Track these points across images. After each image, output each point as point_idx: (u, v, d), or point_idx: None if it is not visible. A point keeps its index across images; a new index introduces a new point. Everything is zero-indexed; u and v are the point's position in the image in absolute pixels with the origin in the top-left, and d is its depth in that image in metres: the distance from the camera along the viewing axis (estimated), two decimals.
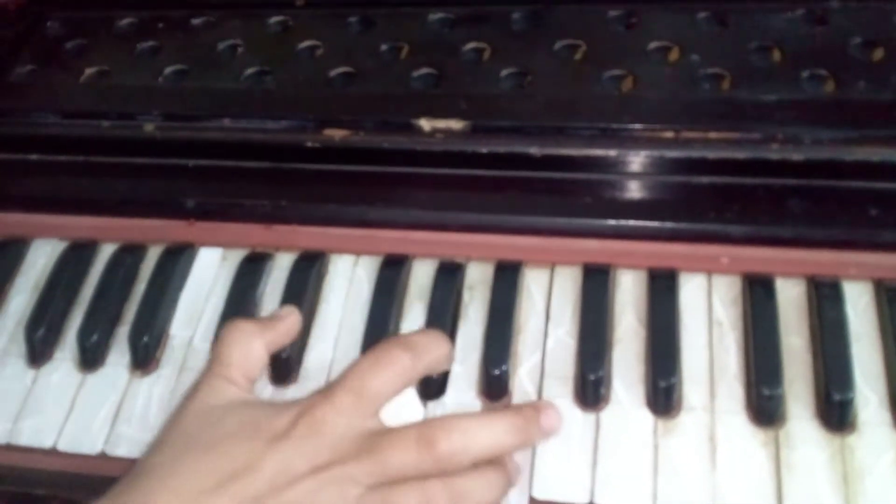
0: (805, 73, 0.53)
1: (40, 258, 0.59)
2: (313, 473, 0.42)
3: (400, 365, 0.46)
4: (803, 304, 0.48)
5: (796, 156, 0.50)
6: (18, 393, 0.53)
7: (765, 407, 0.45)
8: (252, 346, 0.48)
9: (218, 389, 0.47)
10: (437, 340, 0.49)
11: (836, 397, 0.44)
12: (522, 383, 0.48)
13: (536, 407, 0.46)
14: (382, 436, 0.44)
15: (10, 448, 0.52)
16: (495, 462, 0.45)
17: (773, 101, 0.52)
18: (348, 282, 0.54)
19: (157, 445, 0.46)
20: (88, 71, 0.63)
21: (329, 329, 0.53)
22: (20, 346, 0.55)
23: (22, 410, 0.52)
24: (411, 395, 0.49)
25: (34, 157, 0.61)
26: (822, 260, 0.49)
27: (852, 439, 0.44)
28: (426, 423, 0.45)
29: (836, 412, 0.44)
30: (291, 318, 0.51)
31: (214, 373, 0.48)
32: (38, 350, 0.54)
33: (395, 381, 0.46)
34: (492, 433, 0.44)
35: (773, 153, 0.50)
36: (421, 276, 0.54)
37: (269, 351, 0.49)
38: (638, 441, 0.46)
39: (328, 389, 0.46)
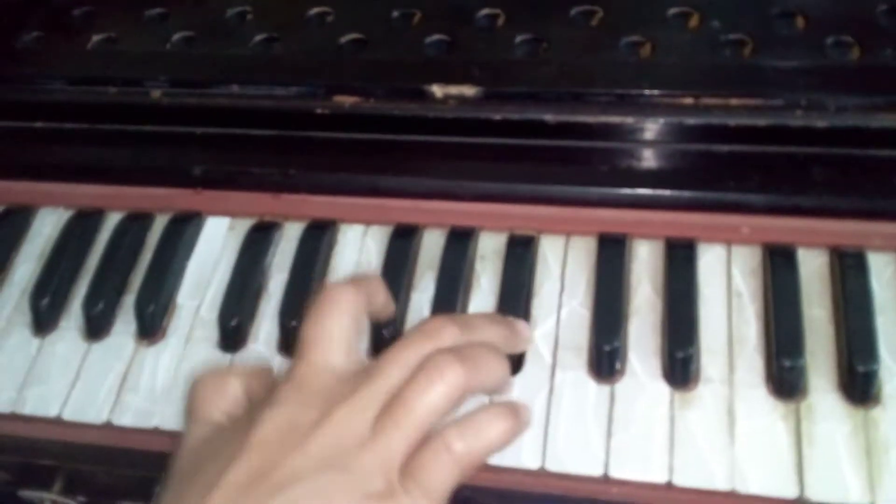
0: (829, 40, 0.52)
1: (46, 227, 0.58)
2: (323, 419, 0.40)
3: (346, 301, 0.44)
4: (826, 274, 0.47)
5: (820, 123, 0.48)
6: (23, 362, 0.52)
7: (786, 379, 0.44)
8: (226, 384, 0.46)
9: (200, 433, 0.45)
10: (375, 280, 0.48)
11: (860, 369, 0.43)
12: (538, 348, 0.47)
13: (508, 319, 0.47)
14: (381, 355, 0.43)
15: (14, 417, 0.51)
16: (507, 405, 0.44)
17: (797, 68, 0.50)
18: (358, 252, 0.53)
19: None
20: (95, 38, 0.62)
21: None
22: (25, 315, 0.54)
23: (27, 379, 0.52)
24: None
25: (40, 124, 0.60)
26: (846, 230, 0.48)
27: (876, 412, 0.43)
28: (419, 324, 0.44)
29: (859, 384, 0.43)
30: (266, 366, 0.49)
31: (193, 419, 0.45)
32: (44, 319, 0.53)
33: (347, 320, 0.44)
34: (484, 321, 0.45)
35: (796, 120, 0.49)
36: (432, 245, 0.52)
37: (244, 386, 0.46)
38: (654, 413, 0.45)
39: (296, 356, 0.44)
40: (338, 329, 0.44)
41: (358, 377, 0.42)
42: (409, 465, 0.40)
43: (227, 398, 0.46)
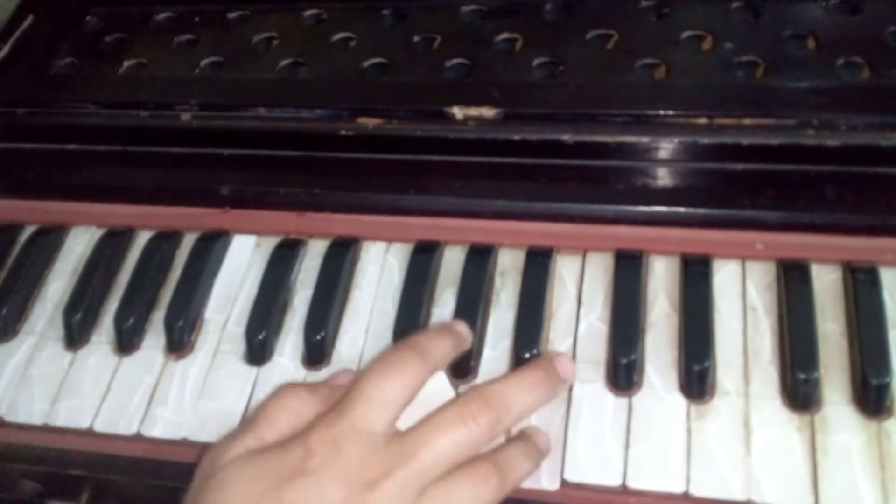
0: (840, 61, 0.53)
1: (78, 245, 0.60)
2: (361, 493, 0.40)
3: (413, 371, 0.44)
4: (839, 289, 0.48)
5: (832, 141, 0.50)
6: (56, 375, 0.54)
7: (800, 391, 0.45)
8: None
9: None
10: (440, 335, 0.48)
11: (873, 382, 0.44)
12: None
13: (549, 359, 0.47)
14: (416, 430, 0.43)
15: (47, 429, 0.52)
16: (523, 436, 0.45)
17: (808, 88, 0.52)
18: (380, 268, 0.55)
19: None
20: (127, 63, 0.64)
21: (361, 314, 0.53)
22: (58, 330, 0.56)
23: (59, 392, 0.53)
24: (442, 380, 0.48)
25: (73, 146, 0.63)
26: (859, 246, 0.49)
27: (889, 424, 0.43)
28: (458, 402, 0.44)
29: (872, 397, 0.44)
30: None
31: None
32: (76, 334, 0.55)
33: (407, 386, 0.44)
34: (523, 392, 0.45)
35: (809, 139, 0.50)
36: (452, 262, 0.54)
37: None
38: (671, 425, 0.45)
39: (338, 405, 0.44)
40: (394, 395, 0.44)
41: (391, 451, 0.42)
42: None
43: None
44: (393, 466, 0.41)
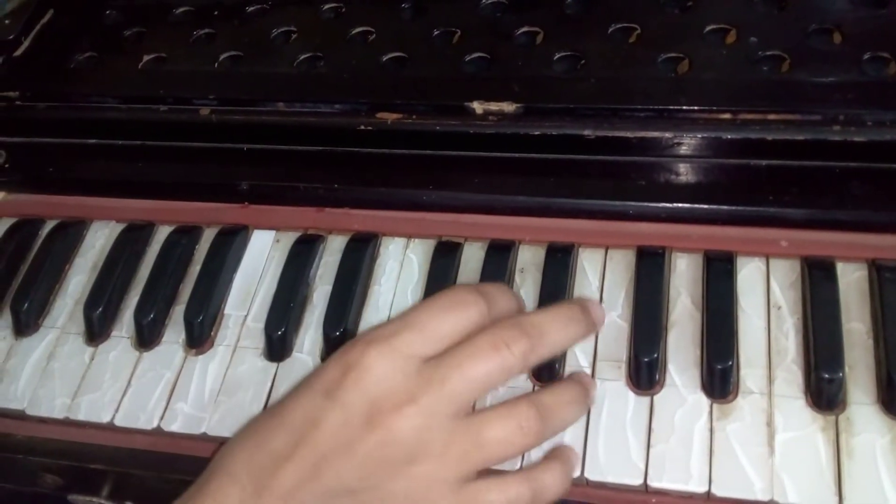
0: (866, 55, 0.52)
1: (98, 239, 0.60)
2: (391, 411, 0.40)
3: (474, 309, 0.43)
4: (864, 288, 0.47)
5: (857, 138, 0.49)
6: (77, 370, 0.54)
7: (825, 391, 0.44)
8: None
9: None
10: (508, 291, 0.47)
11: None
12: (577, 359, 0.48)
13: (583, 300, 0.48)
14: (448, 356, 0.41)
15: (68, 423, 0.53)
16: (557, 454, 0.44)
17: (834, 83, 0.51)
18: (400, 264, 0.54)
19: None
20: (146, 57, 0.64)
21: (381, 310, 0.53)
22: (79, 325, 0.56)
23: (80, 387, 0.53)
24: None
25: (93, 141, 0.63)
26: (885, 244, 0.48)
27: None
28: (492, 330, 0.42)
29: None
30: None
31: None
32: (96, 328, 0.55)
33: (465, 325, 0.43)
34: (558, 325, 0.44)
35: (834, 135, 0.49)
36: (472, 258, 0.53)
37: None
38: (693, 424, 0.45)
39: (389, 325, 0.43)
40: (448, 331, 0.43)
41: (421, 376, 0.41)
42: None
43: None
44: (420, 392, 0.40)
